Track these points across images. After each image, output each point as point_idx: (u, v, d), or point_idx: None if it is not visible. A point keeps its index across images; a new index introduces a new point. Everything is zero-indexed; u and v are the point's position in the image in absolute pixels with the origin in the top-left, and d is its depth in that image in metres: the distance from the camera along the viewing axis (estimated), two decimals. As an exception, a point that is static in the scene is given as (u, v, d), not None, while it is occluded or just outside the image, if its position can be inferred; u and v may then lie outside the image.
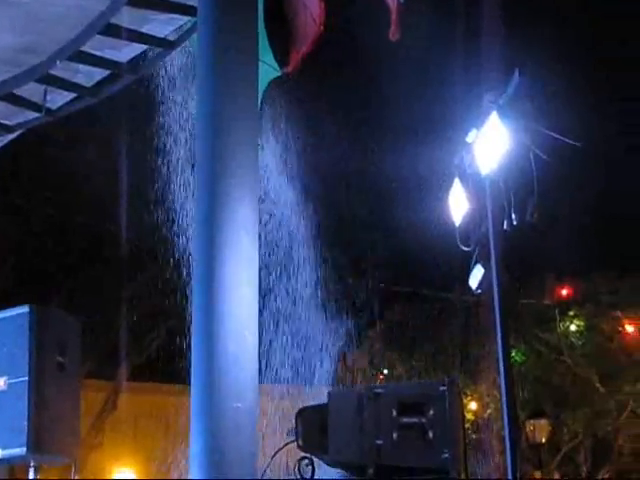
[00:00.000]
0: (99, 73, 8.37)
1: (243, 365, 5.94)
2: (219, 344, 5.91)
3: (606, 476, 29.71)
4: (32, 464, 6.54)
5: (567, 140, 5.35)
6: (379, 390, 5.39)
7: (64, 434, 6.60)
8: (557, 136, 5.17)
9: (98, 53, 8.06)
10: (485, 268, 5.08)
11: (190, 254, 6.34)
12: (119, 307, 24.73)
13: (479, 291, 5.17)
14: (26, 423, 6.30)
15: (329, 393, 5.57)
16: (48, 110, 8.62)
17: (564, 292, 27.67)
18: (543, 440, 24.67)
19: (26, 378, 6.36)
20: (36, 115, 8.75)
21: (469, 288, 5.26)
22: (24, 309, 6.51)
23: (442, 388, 5.26)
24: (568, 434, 27.96)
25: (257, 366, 6.04)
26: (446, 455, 5.17)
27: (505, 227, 4.90)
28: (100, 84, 8.49)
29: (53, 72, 8.17)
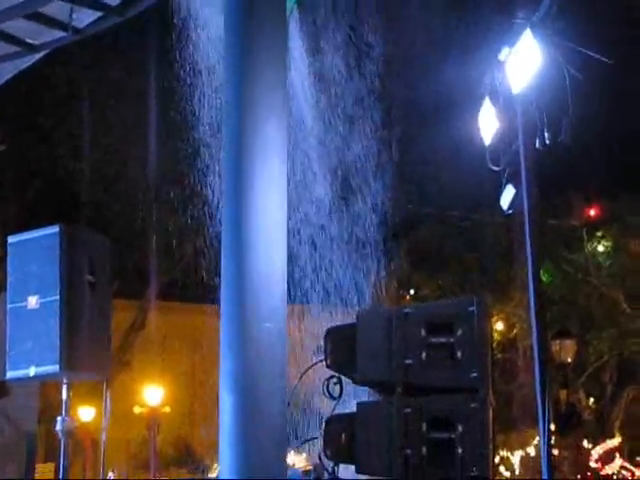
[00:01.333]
0: (125, -9, 8.31)
1: (272, 285, 5.96)
2: (249, 265, 5.93)
3: (630, 395, 29.84)
4: (64, 381, 6.62)
5: (600, 57, 5.28)
6: (408, 310, 5.40)
7: (95, 352, 6.66)
8: (590, 53, 5.10)
9: (124, -29, 8.00)
10: (515, 188, 5.05)
11: (220, 177, 6.32)
12: (148, 227, 24.84)
13: (510, 211, 5.13)
14: (58, 341, 6.36)
15: (358, 313, 5.58)
16: (74, 29, 8.57)
17: (592, 213, 27.54)
18: (569, 360, 24.74)
19: (57, 297, 6.41)
20: (62, 34, 8.70)
21: (499, 209, 5.22)
22: (54, 229, 6.54)
23: (471, 308, 5.26)
24: (594, 354, 28.05)
25: (286, 287, 6.06)
26: (475, 374, 5.18)
27: (537, 146, 4.85)
28: (126, 3, 8.42)
29: (79, -10, 8.12)
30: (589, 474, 26.75)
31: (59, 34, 8.69)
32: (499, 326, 26.20)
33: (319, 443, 5.51)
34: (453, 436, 5.10)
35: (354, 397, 5.67)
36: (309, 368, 5.87)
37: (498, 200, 5.28)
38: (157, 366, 29.82)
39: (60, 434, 6.57)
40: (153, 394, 30.31)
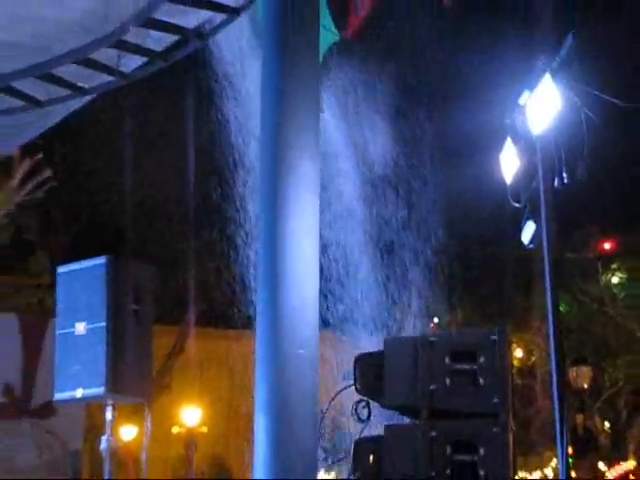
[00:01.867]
0: (168, 39, 8.37)
1: (305, 315, 5.98)
2: (283, 295, 5.95)
3: (645, 420, 29.64)
4: (109, 403, 6.64)
5: (614, 100, 5.28)
6: (433, 338, 5.41)
7: (138, 376, 6.69)
8: (606, 97, 5.10)
9: (167, 20, 8.06)
10: (535, 223, 5.05)
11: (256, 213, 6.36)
12: (186, 257, 24.94)
13: (531, 245, 5.14)
14: (104, 365, 6.40)
15: (385, 341, 5.59)
16: (121, 73, 8.65)
17: (607, 246, 27.45)
18: (585, 386, 24.55)
19: (104, 324, 6.45)
20: (110, 79, 8.79)
21: (521, 243, 5.22)
22: (101, 260, 6.59)
23: (493, 337, 5.27)
24: (609, 380, 27.89)
25: (317, 316, 6.07)
26: (496, 400, 5.18)
27: (556, 185, 4.85)
28: (169, 49, 8.50)
29: (126, 38, 8.19)
30: (605, 495, 26.50)
31: (107, 78, 8.78)
32: (518, 353, 26.09)
33: (348, 464, 5.49)
34: (476, 458, 5.10)
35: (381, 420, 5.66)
36: (339, 392, 5.86)
37: (519, 234, 5.27)
38: (195, 389, 29.83)
39: (104, 453, 6.59)
40: (191, 415, 30.35)
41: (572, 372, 23.12)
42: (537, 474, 27.75)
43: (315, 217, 6.15)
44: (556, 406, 4.97)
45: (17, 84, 8.86)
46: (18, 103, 9.15)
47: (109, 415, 6.61)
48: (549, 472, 26.85)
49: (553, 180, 4.89)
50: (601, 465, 27.22)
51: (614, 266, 27.76)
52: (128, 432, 24.99)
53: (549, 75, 4.72)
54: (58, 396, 6.76)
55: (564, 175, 4.85)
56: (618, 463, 27.84)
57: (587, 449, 26.07)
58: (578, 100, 4.79)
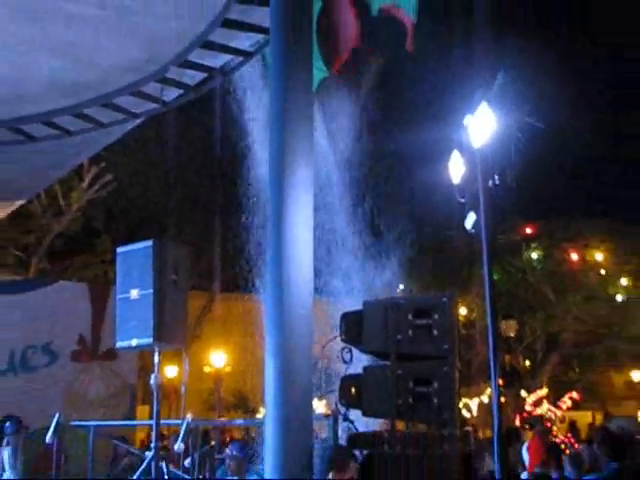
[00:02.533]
0: (199, 75, 8.33)
1: (302, 283, 5.94)
2: (285, 269, 5.92)
3: (556, 359, 29.71)
4: (156, 349, 6.62)
5: (535, 122, 5.27)
6: (400, 301, 5.37)
7: (177, 329, 6.64)
8: (528, 120, 5.08)
9: (198, 61, 8.01)
10: (476, 214, 5.03)
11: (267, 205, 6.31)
12: (214, 240, 24.91)
13: (472, 231, 5.11)
14: (152, 321, 6.36)
15: (364, 302, 5.57)
16: (164, 102, 8.62)
17: (528, 230, 27.49)
18: (512, 334, 24.62)
19: (152, 291, 6.41)
20: (155, 106, 8.75)
21: (465, 228, 5.20)
22: (149, 243, 6.54)
23: (444, 299, 5.24)
24: (529, 331, 27.98)
25: (312, 284, 6.03)
26: (446, 347, 5.14)
27: (491, 185, 4.83)
28: (200, 84, 8.46)
29: (167, 75, 8.14)
30: (525, 414, 26.56)
31: (153, 106, 8.74)
32: (462, 311, 26.11)
33: (336, 395, 5.47)
34: (431, 390, 5.07)
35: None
36: (329, 341, 5.83)
37: (464, 222, 5.24)
38: (220, 338, 29.83)
39: (153, 387, 6.56)
40: (218, 358, 30.33)
41: (502, 325, 23.17)
42: (476, 400, 27.80)
43: (310, 211, 6.10)
44: (490, 350, 4.94)
45: (87, 111, 8.84)
46: (87, 125, 9.12)
47: (156, 358, 6.58)
48: (485, 398, 26.91)
49: (489, 182, 4.85)
50: (523, 392, 27.31)
51: (534, 245, 27.78)
52: (171, 371, 24.98)
53: (486, 102, 4.70)
54: (119, 344, 6.72)
55: (497, 178, 4.83)
56: (535, 391, 27.92)
57: (512, 381, 26.19)
58: (509, 121, 4.77)
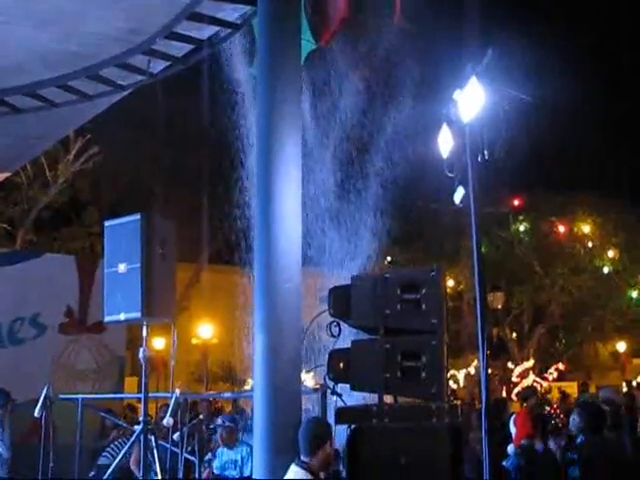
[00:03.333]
0: (187, 47, 8.25)
1: (290, 257, 5.94)
2: (273, 243, 5.91)
3: (541, 331, 29.92)
4: (144, 323, 6.61)
5: (523, 97, 5.26)
6: (387, 275, 5.37)
7: (165, 303, 6.61)
8: (517, 94, 5.07)
9: (186, 33, 7.93)
10: (464, 188, 5.03)
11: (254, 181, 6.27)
12: (203, 212, 24.82)
13: (461, 205, 5.11)
14: (140, 295, 6.34)
15: (352, 277, 5.57)
16: (151, 74, 8.54)
17: (516, 202, 27.54)
18: (499, 306, 24.83)
19: (139, 265, 6.39)
20: (142, 78, 8.68)
21: (453, 202, 5.19)
22: (136, 216, 6.49)
23: (432, 273, 5.24)
24: (516, 302, 28.14)
25: (300, 257, 6.03)
26: (434, 321, 5.16)
27: (480, 160, 4.82)
28: (187, 55, 8.38)
29: (154, 47, 8.07)
30: (511, 386, 26.84)
31: (140, 78, 8.67)
32: (450, 283, 26.22)
33: (324, 369, 5.49)
34: (419, 364, 5.09)
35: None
36: (317, 315, 5.84)
37: (452, 196, 5.23)
38: (208, 310, 29.87)
39: (142, 360, 6.57)
40: (205, 330, 30.41)
41: (490, 297, 23.33)
42: (463, 371, 28.04)
43: (298, 185, 6.08)
44: (479, 321, 4.96)
45: (72, 83, 8.76)
46: (73, 97, 9.03)
47: (144, 332, 6.58)
48: (471, 370, 27.14)
49: (478, 156, 4.85)
50: (509, 364, 27.57)
51: (521, 218, 27.86)
52: (159, 343, 25.02)
53: (475, 77, 4.69)
54: (107, 319, 6.70)
55: (486, 153, 4.83)
56: (521, 362, 28.18)
57: (499, 353, 26.43)
58: (497, 96, 4.76)
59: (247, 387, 27.14)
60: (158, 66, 8.51)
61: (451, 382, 27.57)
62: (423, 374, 5.07)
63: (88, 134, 20.24)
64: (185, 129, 23.78)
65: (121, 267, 6.48)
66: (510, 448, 7.02)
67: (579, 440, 6.32)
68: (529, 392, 11.20)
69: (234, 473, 7.88)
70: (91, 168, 22.20)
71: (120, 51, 8.18)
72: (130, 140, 23.91)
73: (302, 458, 5.12)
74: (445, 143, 5.02)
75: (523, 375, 26.83)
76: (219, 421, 8.37)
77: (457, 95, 4.77)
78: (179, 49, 8.26)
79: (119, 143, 23.68)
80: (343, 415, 5.16)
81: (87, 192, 25.09)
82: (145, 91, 9.42)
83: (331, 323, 5.56)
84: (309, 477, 5.01)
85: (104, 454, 9.16)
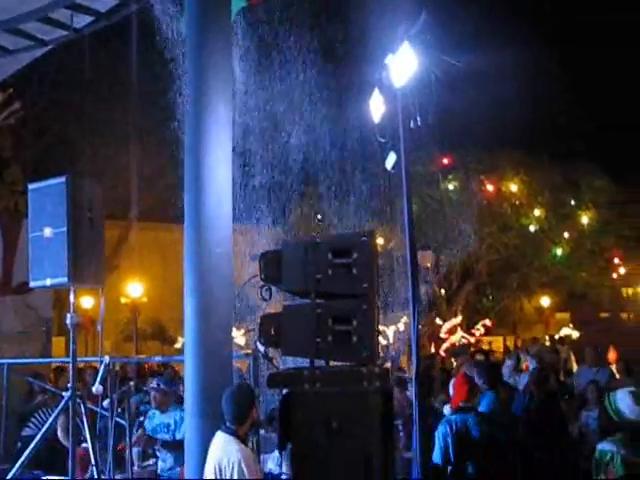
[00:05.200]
0: (112, 2, 8.02)
1: (221, 221, 5.89)
2: (203, 206, 5.84)
3: (470, 288, 30.51)
4: (72, 289, 6.47)
5: (454, 61, 5.26)
6: (318, 240, 5.35)
7: (93, 267, 6.48)
8: (447, 58, 5.07)
9: (111, -13, 7.71)
10: (396, 154, 5.02)
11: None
12: (129, 165, 24.38)
13: (393, 171, 5.11)
14: (66, 260, 6.20)
15: (282, 241, 5.53)
16: (74, 29, 8.29)
17: (445, 161, 27.78)
18: (428, 265, 25.20)
19: (65, 229, 6.23)
20: (65, 33, 8.42)
21: (385, 168, 5.19)
22: (62, 179, 6.30)
23: (364, 238, 5.24)
24: (445, 261, 28.56)
25: (231, 223, 5.98)
26: (365, 285, 5.16)
27: (412, 126, 4.82)
28: (112, 11, 8.15)
29: (78, 1, 7.82)
30: (440, 342, 27.37)
31: (63, 33, 8.41)
32: (380, 241, 26.37)
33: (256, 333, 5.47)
34: (350, 328, 5.11)
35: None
36: (249, 280, 5.79)
37: (384, 160, 5.23)
38: (137, 269, 29.56)
39: (70, 326, 6.45)
40: (135, 288, 30.19)
41: (419, 255, 23.56)
42: (392, 328, 28.42)
43: (228, 147, 6.01)
44: (409, 279, 5.00)
45: (-11, 36, 8.44)
46: (-9, 51, 8.72)
47: (72, 298, 6.43)
48: (401, 326, 27.55)
49: (409, 122, 4.84)
50: (438, 320, 28.10)
51: (450, 177, 28.16)
52: (87, 302, 24.67)
53: (407, 42, 4.66)
54: (33, 284, 6.53)
55: (418, 118, 4.82)
56: (450, 319, 28.74)
57: (429, 309, 26.87)
58: (428, 61, 4.75)
59: (177, 345, 27.11)
60: (82, 21, 8.26)
61: (380, 338, 27.97)
62: (354, 338, 5.09)
63: (10, 89, 19.52)
64: (114, 84, 23.18)
65: (47, 231, 6.31)
66: (445, 409, 7.16)
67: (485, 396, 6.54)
68: (460, 349, 11.47)
69: (166, 437, 7.84)
70: (13, 125, 21.46)
71: (41, 4, 7.89)
72: (56, 96, 23.24)
73: (229, 425, 5.16)
74: (377, 109, 4.99)
75: (451, 331, 27.37)
76: (153, 383, 8.27)
77: (389, 59, 4.74)
78: (104, 4, 8.02)
79: (43, 99, 22.99)
80: (275, 380, 5.16)
81: (9, 149, 24.29)
82: (72, 44, 9.12)
83: (262, 287, 5.52)
84: (240, 445, 5.07)
85: (28, 424, 8.99)
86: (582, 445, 8.48)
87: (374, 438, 4.91)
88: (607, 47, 31.91)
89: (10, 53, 8.77)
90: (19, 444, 8.69)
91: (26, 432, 8.91)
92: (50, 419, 6.44)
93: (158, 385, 8.08)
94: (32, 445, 6.04)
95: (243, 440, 5.13)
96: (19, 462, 6.00)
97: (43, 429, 6.41)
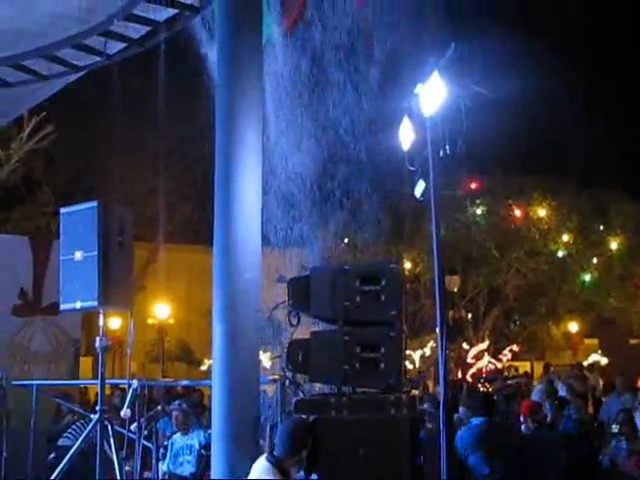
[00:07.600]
0: (144, 29, 8.14)
1: (250, 246, 5.92)
2: (233, 231, 5.87)
3: (497, 313, 30.28)
4: (101, 312, 6.54)
5: (484, 91, 5.28)
6: (347, 267, 5.38)
7: (123, 291, 6.57)
8: (478, 89, 5.09)
9: (143, 14, 7.82)
10: (425, 181, 5.04)
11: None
12: (158, 193, 24.61)
13: (422, 199, 5.12)
14: (96, 284, 6.27)
15: (311, 268, 5.57)
16: (107, 55, 8.42)
17: (473, 186, 27.68)
18: (455, 289, 25.05)
19: (96, 252, 6.31)
20: (98, 59, 8.56)
21: (414, 196, 5.20)
22: (93, 204, 6.40)
23: (392, 265, 5.27)
24: (472, 285, 28.38)
25: (260, 246, 6.00)
26: (393, 312, 5.18)
27: (441, 154, 4.84)
28: (144, 37, 8.27)
29: (111, 28, 7.94)
30: (466, 367, 27.16)
31: (96, 59, 8.55)
32: (407, 265, 26.32)
33: (283, 359, 5.49)
34: (378, 355, 5.12)
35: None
36: (277, 306, 5.81)
37: (414, 189, 5.23)
38: (164, 290, 29.68)
39: (99, 349, 6.50)
40: (162, 310, 30.28)
41: (447, 280, 23.46)
42: (419, 352, 28.28)
43: (258, 172, 6.04)
44: (438, 303, 4.98)
45: (27, 62, 8.60)
46: (27, 77, 8.87)
47: (101, 321, 6.51)
48: (427, 351, 27.39)
49: (439, 150, 4.86)
50: (465, 345, 27.87)
51: (478, 201, 28.05)
52: (115, 323, 24.81)
53: (437, 72, 4.70)
54: (63, 307, 6.62)
55: (447, 147, 4.84)
56: (476, 344, 28.51)
57: (456, 335, 26.71)
58: (458, 91, 4.77)
59: (203, 367, 27.11)
60: (115, 47, 8.39)
61: (407, 362, 27.83)
62: (382, 365, 5.10)
63: (43, 112, 19.83)
64: (143, 109, 23.45)
65: (78, 255, 6.39)
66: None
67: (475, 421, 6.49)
68: (493, 376, 11.37)
69: (189, 458, 7.86)
70: (45, 147, 21.78)
71: (76, 31, 8.04)
72: (86, 119, 23.56)
73: (277, 454, 4.89)
74: (406, 137, 5.01)
75: (478, 356, 27.14)
76: (176, 404, 8.35)
77: (419, 89, 4.77)
78: (136, 31, 8.15)
79: (75, 122, 23.31)
80: (301, 406, 5.16)
81: (41, 171, 24.66)
82: (104, 70, 9.28)
83: (290, 313, 5.54)
84: (277, 476, 4.78)
85: (66, 435, 9.06)
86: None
87: (402, 466, 4.89)
88: (637, 75, 31.82)
89: (45, 79, 8.93)
90: (52, 454, 8.73)
91: (62, 442, 8.93)
92: (84, 434, 6.50)
93: (180, 405, 8.18)
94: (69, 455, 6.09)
95: (283, 472, 4.83)
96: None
97: (79, 440, 6.46)
